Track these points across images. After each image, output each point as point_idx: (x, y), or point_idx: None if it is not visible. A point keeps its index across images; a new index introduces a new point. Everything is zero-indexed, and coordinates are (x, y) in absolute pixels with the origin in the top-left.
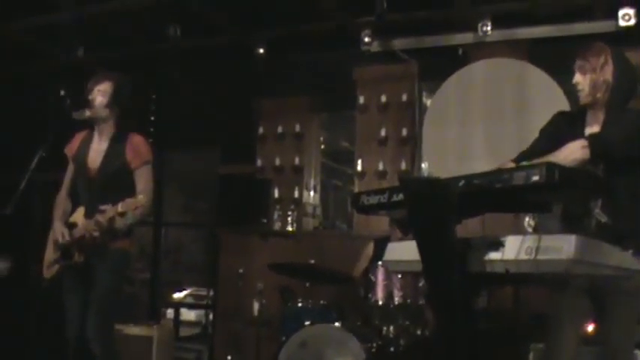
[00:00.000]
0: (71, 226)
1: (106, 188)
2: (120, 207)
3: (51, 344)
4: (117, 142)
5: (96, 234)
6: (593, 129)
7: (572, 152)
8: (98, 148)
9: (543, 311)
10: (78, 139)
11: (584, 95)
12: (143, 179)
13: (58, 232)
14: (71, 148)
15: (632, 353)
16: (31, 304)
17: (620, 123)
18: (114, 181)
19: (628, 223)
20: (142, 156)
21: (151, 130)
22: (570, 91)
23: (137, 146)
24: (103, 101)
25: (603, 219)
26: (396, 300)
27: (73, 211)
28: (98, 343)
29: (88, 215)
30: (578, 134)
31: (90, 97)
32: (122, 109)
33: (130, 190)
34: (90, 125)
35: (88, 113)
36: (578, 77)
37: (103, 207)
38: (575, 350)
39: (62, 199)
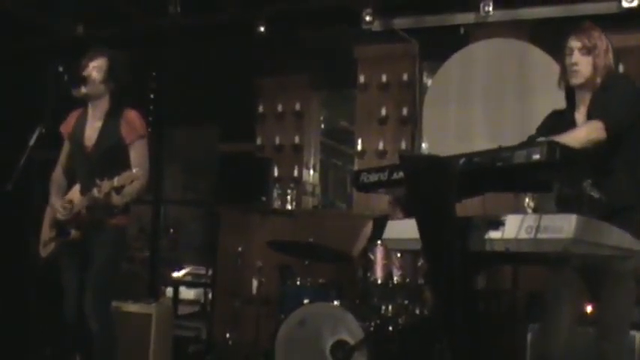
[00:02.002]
0: (67, 204)
1: (102, 165)
2: (116, 181)
3: (50, 321)
4: (112, 119)
5: (92, 210)
6: (580, 111)
7: (589, 133)
8: (93, 125)
9: (541, 291)
10: (73, 117)
11: (581, 76)
12: (137, 153)
13: (56, 208)
14: (67, 127)
15: (627, 334)
16: (30, 281)
17: (609, 92)
18: (110, 157)
19: (621, 198)
20: (136, 131)
21: (151, 107)
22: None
23: (131, 121)
24: (98, 77)
25: (596, 195)
26: (395, 279)
27: (69, 188)
28: (95, 320)
29: (84, 192)
30: (569, 121)
31: (85, 74)
32: (118, 84)
33: (126, 166)
34: (85, 102)
35: (84, 90)
36: (578, 57)
37: (99, 182)
38: (571, 330)
39: (58, 177)
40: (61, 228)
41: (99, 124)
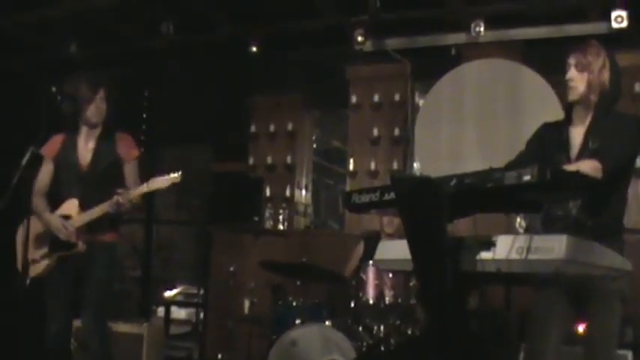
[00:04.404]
0: (64, 219)
1: (99, 182)
2: (146, 186)
3: (36, 339)
4: (105, 140)
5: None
6: (578, 129)
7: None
8: (86, 147)
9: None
10: (57, 141)
11: (576, 93)
12: (134, 173)
13: (57, 223)
14: (51, 150)
15: (614, 354)
16: (20, 300)
17: (613, 130)
18: (106, 175)
19: (607, 221)
20: (133, 152)
21: (143, 127)
22: (563, 93)
23: (128, 143)
24: (104, 108)
25: (582, 218)
26: (387, 299)
27: (55, 207)
28: (95, 337)
29: (84, 207)
30: (563, 138)
31: (94, 106)
32: (112, 106)
33: (120, 183)
34: (69, 127)
35: (95, 120)
36: (574, 73)
37: (120, 190)
38: (559, 350)
39: (38, 200)
40: (55, 244)
41: (92, 144)
